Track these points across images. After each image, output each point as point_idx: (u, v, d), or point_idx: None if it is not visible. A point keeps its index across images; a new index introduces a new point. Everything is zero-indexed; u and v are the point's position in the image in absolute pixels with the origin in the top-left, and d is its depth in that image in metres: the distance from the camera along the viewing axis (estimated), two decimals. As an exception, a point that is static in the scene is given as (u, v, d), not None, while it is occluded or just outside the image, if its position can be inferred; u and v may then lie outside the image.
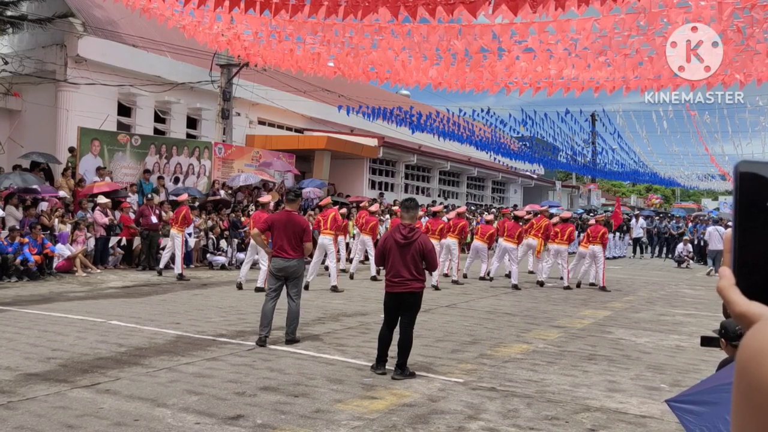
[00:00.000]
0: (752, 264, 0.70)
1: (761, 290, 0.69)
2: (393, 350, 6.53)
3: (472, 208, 30.14)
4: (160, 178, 18.79)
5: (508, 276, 15.65)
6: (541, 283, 15.29)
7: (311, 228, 8.59)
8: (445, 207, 22.67)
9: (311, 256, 15.92)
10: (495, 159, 33.13)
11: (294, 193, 8.34)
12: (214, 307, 10.34)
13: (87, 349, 7.17)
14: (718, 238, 21.29)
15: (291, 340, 7.79)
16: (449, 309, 11.24)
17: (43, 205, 15.03)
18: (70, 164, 17.35)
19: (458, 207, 19.86)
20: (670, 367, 7.37)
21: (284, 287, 7.88)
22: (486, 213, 22.59)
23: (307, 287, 13.26)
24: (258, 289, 11.91)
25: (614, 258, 25.96)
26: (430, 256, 6.63)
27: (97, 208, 15.54)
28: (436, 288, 13.32)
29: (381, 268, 13.67)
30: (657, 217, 32.69)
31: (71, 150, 17.58)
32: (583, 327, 9.91)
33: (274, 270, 7.89)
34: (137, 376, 6.13)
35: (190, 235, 17.22)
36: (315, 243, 13.40)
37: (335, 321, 9.60)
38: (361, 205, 17.72)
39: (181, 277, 13.76)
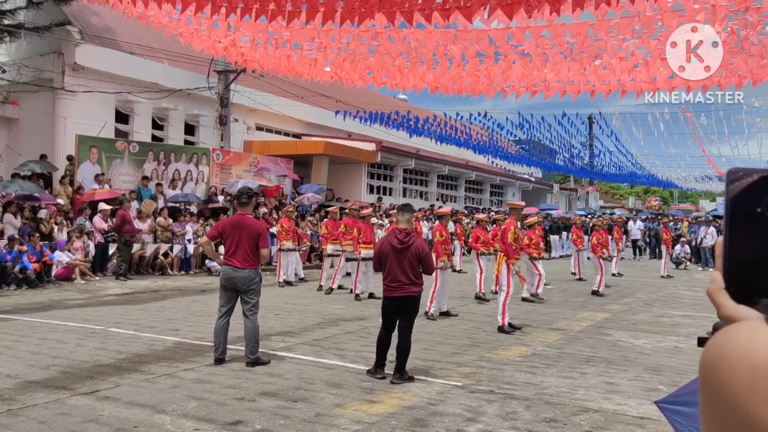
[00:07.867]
0: (742, 268, 0.71)
1: (750, 294, 0.70)
2: (391, 354, 6.55)
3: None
4: (159, 184, 18.83)
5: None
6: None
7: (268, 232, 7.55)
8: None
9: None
10: (493, 162, 33.23)
11: (246, 195, 7.26)
12: (213, 313, 10.32)
13: (87, 356, 7.18)
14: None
15: (253, 362, 6.84)
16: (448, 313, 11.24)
17: (43, 213, 15.04)
18: (68, 172, 17.38)
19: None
20: (668, 369, 7.39)
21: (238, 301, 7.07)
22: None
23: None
24: None
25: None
26: (427, 260, 6.66)
27: (98, 214, 15.54)
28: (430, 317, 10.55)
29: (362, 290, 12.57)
30: (657, 219, 32.72)
31: (69, 158, 17.61)
32: (581, 329, 9.93)
33: (222, 281, 7.08)
34: (137, 382, 6.15)
35: (189, 241, 17.27)
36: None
37: (334, 325, 9.61)
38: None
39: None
